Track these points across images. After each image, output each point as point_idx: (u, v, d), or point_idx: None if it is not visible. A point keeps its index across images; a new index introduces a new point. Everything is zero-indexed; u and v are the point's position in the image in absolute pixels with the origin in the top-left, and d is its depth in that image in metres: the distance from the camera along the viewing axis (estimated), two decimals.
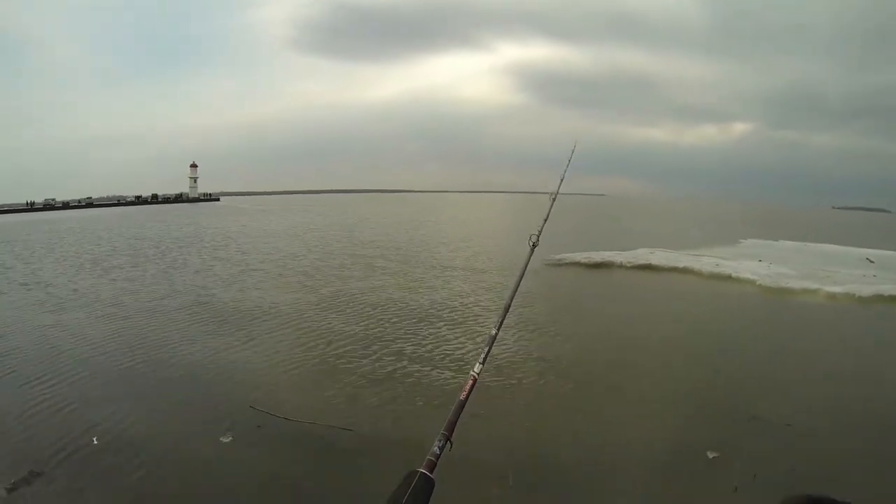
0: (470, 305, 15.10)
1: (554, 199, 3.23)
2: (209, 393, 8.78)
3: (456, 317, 13.78)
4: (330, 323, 13.20)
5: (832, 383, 9.62)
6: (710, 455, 6.97)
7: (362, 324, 13.05)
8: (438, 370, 9.81)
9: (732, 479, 6.19)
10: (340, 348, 11.13)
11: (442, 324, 13.01)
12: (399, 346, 11.29)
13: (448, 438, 1.59)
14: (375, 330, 12.55)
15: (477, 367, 1.87)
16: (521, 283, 2.42)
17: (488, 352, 1.96)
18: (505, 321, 2.13)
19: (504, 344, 11.03)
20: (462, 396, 1.74)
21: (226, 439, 7.24)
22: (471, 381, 1.81)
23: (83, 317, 14.07)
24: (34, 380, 9.31)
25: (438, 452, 1.53)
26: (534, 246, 2.61)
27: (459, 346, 11.32)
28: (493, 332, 2.04)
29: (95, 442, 6.99)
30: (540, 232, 2.65)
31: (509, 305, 2.21)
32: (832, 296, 16.88)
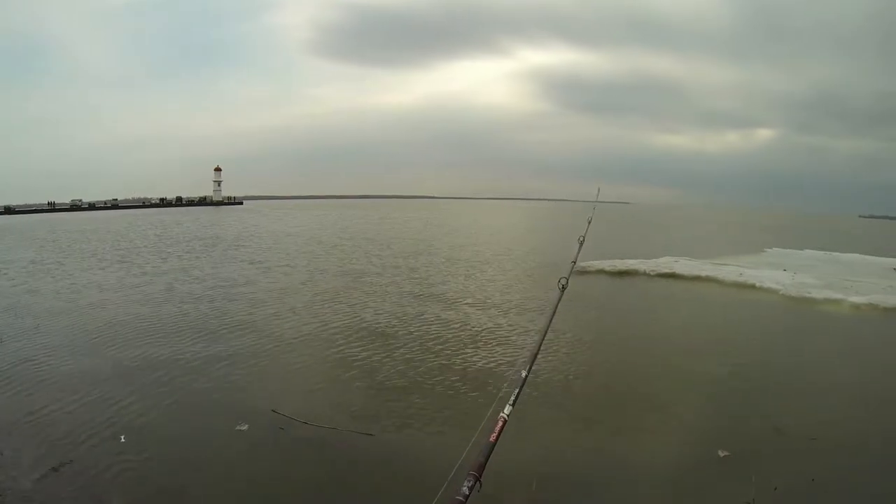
0: (502, 325, 14.55)
1: (582, 243, 3.24)
2: (232, 397, 8.96)
3: (486, 333, 13.45)
4: (355, 330, 13.35)
5: (856, 396, 9.56)
6: (721, 454, 7.10)
7: (390, 334, 13.13)
8: (462, 381, 9.83)
9: (751, 491, 6.14)
10: (363, 356, 11.29)
11: (473, 339, 12.85)
12: (424, 356, 11.33)
13: (478, 479, 1.59)
14: (402, 339, 12.61)
15: (507, 409, 1.86)
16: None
17: (518, 393, 1.95)
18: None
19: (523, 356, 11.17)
20: (492, 439, 1.73)
21: (242, 427, 7.61)
22: (501, 423, 1.80)
23: (111, 316, 14.45)
24: (65, 376, 9.71)
25: (468, 493, 1.53)
26: (563, 288, 2.60)
27: (486, 359, 11.25)
28: (524, 374, 2.05)
29: (123, 440, 7.24)
30: (570, 274, 2.62)
31: (538, 350, 2.21)
32: (856, 306, 16.73)
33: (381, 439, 7.37)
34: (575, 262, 2.96)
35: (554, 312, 2.44)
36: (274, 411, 8.08)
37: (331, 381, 9.85)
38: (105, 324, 13.64)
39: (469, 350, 11.75)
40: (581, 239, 3.27)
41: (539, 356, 8.64)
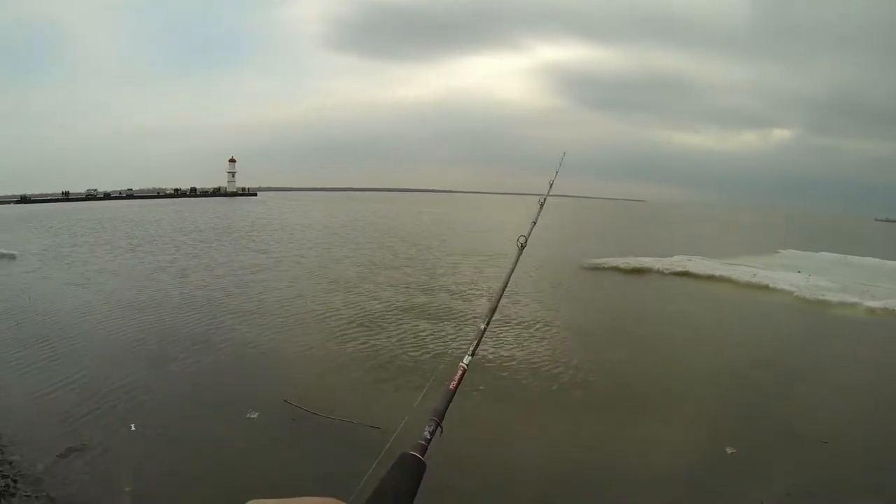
0: (525, 316, 14.34)
1: (542, 204, 3.36)
2: (244, 386, 8.98)
3: (506, 324, 13.19)
4: (370, 321, 13.30)
5: (868, 399, 9.48)
6: (729, 451, 7.11)
7: (406, 324, 13.11)
8: (476, 374, 9.61)
9: (763, 494, 6.19)
10: (377, 347, 11.27)
11: (492, 329, 12.56)
12: (440, 348, 11.33)
13: (438, 424, 1.66)
14: (418, 331, 12.57)
15: (466, 359, 1.97)
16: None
17: (477, 344, 2.06)
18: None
19: (537, 349, 11.23)
20: (452, 386, 1.84)
21: (252, 415, 7.68)
22: (460, 372, 1.90)
23: (123, 302, 14.58)
24: (76, 361, 9.80)
25: (429, 437, 1.61)
26: (522, 247, 2.66)
27: (503, 352, 11.11)
28: (482, 326, 2.14)
29: (133, 428, 7.29)
30: (529, 234, 2.75)
31: (496, 305, 2.29)
32: (872, 310, 16.56)
33: (390, 431, 7.33)
34: (535, 223, 3.12)
35: (512, 271, 2.52)
36: (286, 401, 8.09)
37: (342, 372, 9.86)
38: (117, 310, 13.79)
39: (493, 343, 11.58)
40: (541, 200, 3.41)
41: (546, 351, 8.53)
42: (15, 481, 5.95)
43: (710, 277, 21.82)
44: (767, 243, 38.83)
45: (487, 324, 2.16)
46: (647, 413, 8.48)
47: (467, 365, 1.95)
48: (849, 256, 31.50)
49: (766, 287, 19.79)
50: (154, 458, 6.64)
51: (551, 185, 3.80)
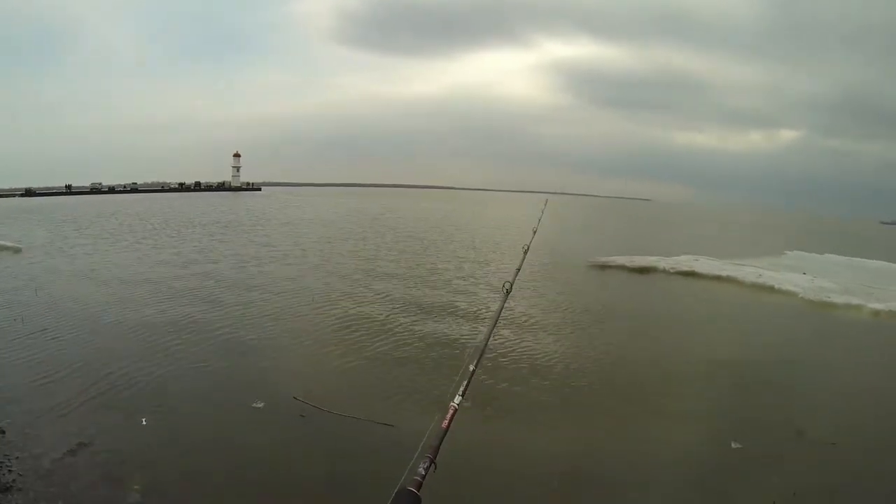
0: (534, 317, 14.10)
1: (526, 251, 3.43)
2: (253, 382, 8.97)
3: (518, 324, 13.15)
4: (381, 318, 13.30)
5: (874, 401, 9.46)
6: (734, 445, 7.17)
7: (417, 322, 13.08)
8: (487, 373, 9.48)
9: (772, 496, 6.17)
10: (388, 344, 11.26)
11: (504, 331, 12.42)
12: (451, 345, 11.31)
13: (432, 461, 1.77)
14: (428, 328, 12.55)
15: (457, 399, 2.06)
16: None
17: (467, 385, 2.14)
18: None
19: (546, 350, 11.19)
20: (444, 425, 1.93)
21: (258, 405, 7.76)
22: (451, 412, 1.99)
23: (128, 295, 14.64)
24: (84, 354, 9.85)
25: (424, 473, 1.72)
26: (507, 292, 2.78)
27: (515, 349, 11.15)
28: (472, 367, 2.22)
29: (144, 423, 7.31)
30: (513, 281, 2.81)
31: (484, 347, 2.39)
32: (876, 312, 16.52)
33: (401, 430, 7.27)
34: (519, 270, 3.24)
35: (498, 316, 2.66)
36: (295, 398, 8.10)
37: (351, 369, 9.87)
38: (125, 303, 13.84)
39: (503, 342, 11.53)
40: (525, 248, 3.52)
41: (558, 351, 8.48)
42: (22, 476, 5.96)
43: (716, 278, 21.81)
44: (773, 244, 38.72)
45: (476, 365, 2.26)
46: (654, 412, 8.49)
47: (458, 405, 2.05)
48: (854, 259, 31.37)
49: (772, 288, 19.75)
50: (163, 453, 6.65)
51: (534, 234, 3.84)
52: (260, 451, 6.78)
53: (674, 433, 7.79)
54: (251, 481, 6.18)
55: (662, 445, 7.40)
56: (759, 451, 7.20)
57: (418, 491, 1.64)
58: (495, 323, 2.58)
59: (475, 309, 14.57)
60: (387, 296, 15.87)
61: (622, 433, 7.74)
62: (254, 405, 7.90)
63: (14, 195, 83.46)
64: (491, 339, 2.43)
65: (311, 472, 6.42)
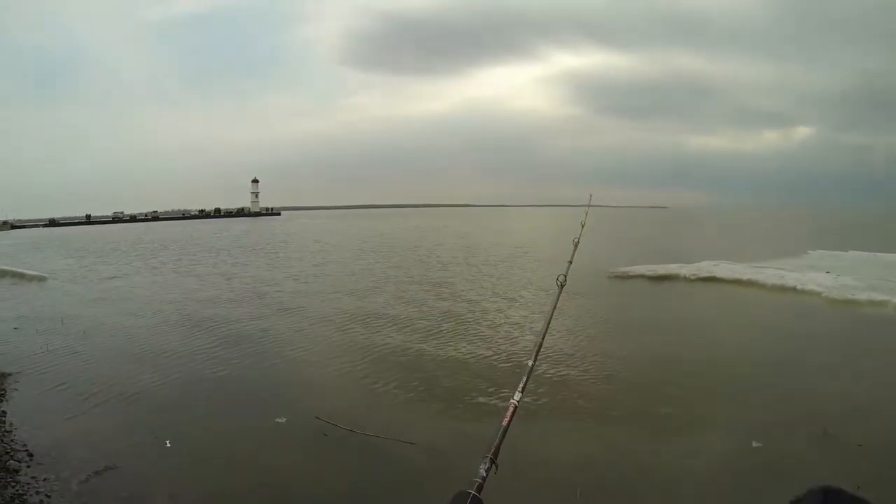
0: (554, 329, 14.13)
1: (576, 246, 3.43)
2: (275, 402, 8.97)
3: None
4: (401, 337, 13.31)
5: None
6: (755, 444, 7.08)
7: (434, 341, 13.02)
8: (505, 390, 9.18)
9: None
10: (409, 363, 11.24)
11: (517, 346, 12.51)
12: (470, 365, 11.19)
13: (493, 461, 1.68)
14: (448, 347, 12.47)
15: (517, 396, 1.98)
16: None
17: (526, 381, 2.07)
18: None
19: (569, 360, 11.09)
20: (504, 423, 1.85)
21: (280, 419, 7.72)
22: (511, 408, 1.91)
23: (153, 319, 14.87)
24: (109, 377, 9.98)
25: (485, 475, 1.63)
26: (562, 286, 2.73)
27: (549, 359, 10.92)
28: (530, 363, 2.15)
29: (168, 445, 7.31)
30: (567, 274, 2.75)
31: (542, 341, 2.33)
32: None
33: (423, 447, 7.24)
34: (571, 262, 3.18)
35: (554, 309, 2.56)
36: (318, 418, 8.06)
37: (372, 389, 9.82)
38: (147, 327, 14.06)
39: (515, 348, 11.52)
40: (575, 241, 3.49)
41: (573, 358, 8.41)
42: (50, 497, 6.01)
43: (738, 282, 21.54)
44: (795, 245, 38.13)
45: (535, 360, 2.19)
46: (678, 424, 8.26)
47: (518, 401, 1.97)
48: (878, 254, 30.85)
49: (794, 289, 19.45)
50: (188, 476, 6.68)
51: (587, 213, 3.83)
52: (284, 472, 6.78)
53: (699, 437, 7.68)
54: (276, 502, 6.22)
55: (688, 453, 7.27)
56: (784, 452, 7.04)
57: (479, 493, 1.57)
58: (551, 316, 2.51)
59: (499, 335, 14.55)
60: (410, 318, 15.97)
61: (646, 440, 7.63)
62: (277, 420, 8.00)
63: (38, 225, 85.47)
64: (546, 335, 2.35)
65: (337, 491, 6.39)
